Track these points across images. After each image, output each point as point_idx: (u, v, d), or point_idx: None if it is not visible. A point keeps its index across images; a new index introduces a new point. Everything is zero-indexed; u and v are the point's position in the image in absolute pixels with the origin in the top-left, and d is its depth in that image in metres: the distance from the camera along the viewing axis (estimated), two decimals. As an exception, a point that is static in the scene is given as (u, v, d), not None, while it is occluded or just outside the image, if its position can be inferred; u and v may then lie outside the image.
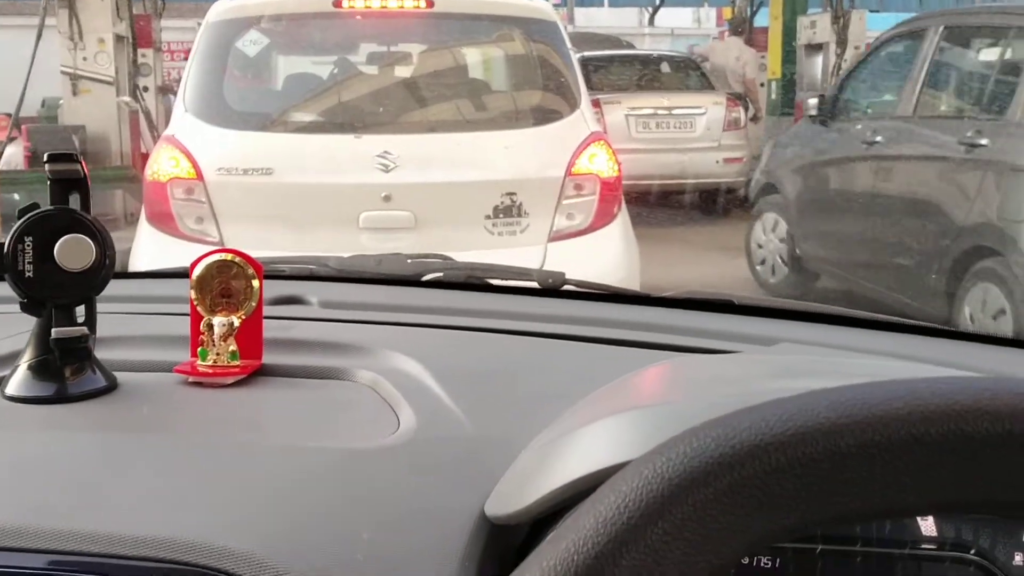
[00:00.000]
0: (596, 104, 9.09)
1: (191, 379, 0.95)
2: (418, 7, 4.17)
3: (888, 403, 0.46)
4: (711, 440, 0.46)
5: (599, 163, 3.96)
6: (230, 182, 3.74)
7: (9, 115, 8.00)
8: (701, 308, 1.34)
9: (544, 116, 4.17)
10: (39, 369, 0.91)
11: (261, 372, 0.98)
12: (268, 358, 0.99)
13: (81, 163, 0.93)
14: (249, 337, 0.98)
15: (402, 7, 4.16)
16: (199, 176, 3.75)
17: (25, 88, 7.37)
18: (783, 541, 0.51)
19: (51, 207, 0.91)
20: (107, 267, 0.92)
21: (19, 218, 0.90)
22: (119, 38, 8.37)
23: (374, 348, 1.02)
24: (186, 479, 0.76)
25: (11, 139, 7.91)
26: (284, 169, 3.80)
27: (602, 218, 3.91)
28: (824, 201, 5.64)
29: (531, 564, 0.46)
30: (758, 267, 6.22)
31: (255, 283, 0.98)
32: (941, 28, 5.14)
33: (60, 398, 0.90)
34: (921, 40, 5.21)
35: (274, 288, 1.20)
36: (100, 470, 0.77)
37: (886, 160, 5.12)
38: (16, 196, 6.75)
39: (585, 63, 10.21)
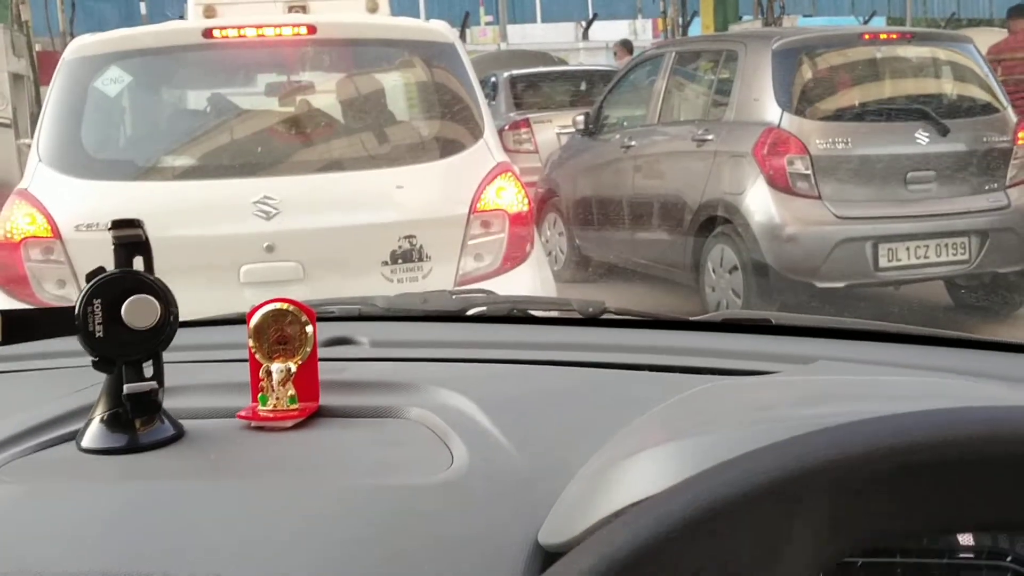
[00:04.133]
0: (526, 123, 9.17)
1: (253, 424, 1.01)
2: (298, 34, 3.79)
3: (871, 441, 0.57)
4: (733, 475, 0.57)
5: (507, 197, 3.65)
6: (92, 240, 3.25)
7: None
8: (739, 330, 1.39)
9: (444, 148, 3.84)
10: (111, 422, 0.96)
11: (318, 413, 1.03)
12: (324, 399, 1.04)
13: (142, 228, 0.99)
14: (306, 380, 1.03)
15: (280, 35, 3.77)
16: (56, 234, 3.37)
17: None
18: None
19: (116, 270, 0.96)
20: (171, 324, 0.97)
21: (87, 282, 0.95)
22: (17, 77, 8.11)
23: (423, 385, 1.07)
24: (255, 523, 0.81)
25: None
26: (152, 222, 3.30)
27: (513, 258, 3.63)
28: (593, 197, 6.91)
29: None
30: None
31: (309, 329, 1.04)
32: (673, 54, 6.65)
33: (132, 448, 0.94)
34: (659, 64, 6.65)
35: (326, 330, 1.24)
36: (174, 518, 0.81)
37: (639, 158, 6.44)
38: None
39: (514, 82, 10.22)
